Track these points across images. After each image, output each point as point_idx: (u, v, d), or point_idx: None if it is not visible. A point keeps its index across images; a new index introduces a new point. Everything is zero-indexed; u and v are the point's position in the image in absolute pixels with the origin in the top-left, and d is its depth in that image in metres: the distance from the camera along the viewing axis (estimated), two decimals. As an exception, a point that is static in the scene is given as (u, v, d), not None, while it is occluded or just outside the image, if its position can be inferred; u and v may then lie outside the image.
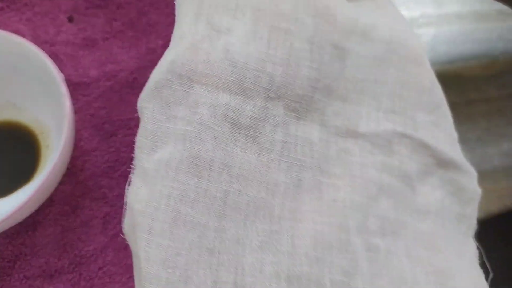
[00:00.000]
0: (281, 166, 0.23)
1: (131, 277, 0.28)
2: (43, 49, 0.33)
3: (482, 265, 0.25)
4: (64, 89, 0.26)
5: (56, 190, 0.30)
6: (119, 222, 0.30)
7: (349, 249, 0.21)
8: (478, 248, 0.25)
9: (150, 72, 0.33)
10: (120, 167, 0.31)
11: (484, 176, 0.36)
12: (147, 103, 0.22)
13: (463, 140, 0.37)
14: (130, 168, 0.31)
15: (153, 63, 0.34)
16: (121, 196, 0.30)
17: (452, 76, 0.38)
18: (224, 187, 0.21)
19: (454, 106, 0.38)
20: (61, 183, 0.30)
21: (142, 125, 0.22)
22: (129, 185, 0.22)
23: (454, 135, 0.26)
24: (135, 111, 0.32)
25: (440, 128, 0.26)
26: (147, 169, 0.21)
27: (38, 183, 0.25)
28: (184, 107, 0.22)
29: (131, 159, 0.31)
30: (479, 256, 0.25)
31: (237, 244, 0.21)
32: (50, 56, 0.33)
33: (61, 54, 0.34)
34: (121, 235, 0.22)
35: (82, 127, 0.32)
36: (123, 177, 0.31)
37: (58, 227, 0.29)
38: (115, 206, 0.30)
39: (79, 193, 0.30)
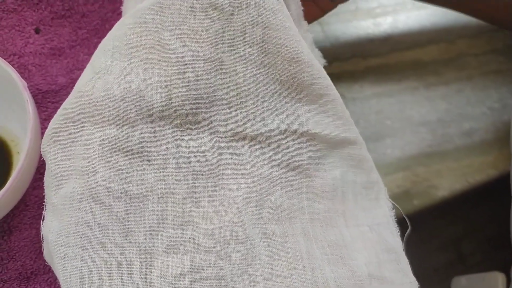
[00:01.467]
0: (178, 178, 0.25)
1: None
2: (12, 61, 0.34)
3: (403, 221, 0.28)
4: (26, 95, 0.27)
5: (30, 195, 0.31)
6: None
7: (245, 240, 0.24)
8: (394, 206, 0.28)
9: (117, 76, 0.35)
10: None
11: (447, 156, 0.37)
12: (48, 147, 0.25)
13: (424, 123, 0.38)
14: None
15: (119, 67, 0.35)
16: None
17: (411, 62, 0.39)
18: (125, 208, 0.24)
19: (414, 91, 0.40)
20: (34, 188, 0.31)
21: (47, 167, 0.25)
22: (43, 220, 0.25)
23: (345, 115, 0.28)
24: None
25: (327, 114, 0.28)
26: (55, 204, 0.24)
27: (6, 187, 0.26)
28: (79, 145, 0.25)
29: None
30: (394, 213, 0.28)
31: (144, 254, 0.24)
32: (18, 67, 0.34)
33: (30, 64, 0.35)
34: (45, 262, 0.25)
35: (52, 133, 0.33)
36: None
37: (33, 230, 0.30)
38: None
39: (51, 196, 0.31)
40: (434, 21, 0.42)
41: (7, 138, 0.32)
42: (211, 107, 0.26)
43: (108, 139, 0.25)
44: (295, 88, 0.27)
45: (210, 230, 0.24)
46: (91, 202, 0.24)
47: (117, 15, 0.36)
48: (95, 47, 0.35)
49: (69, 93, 0.34)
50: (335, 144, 0.27)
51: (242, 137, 0.27)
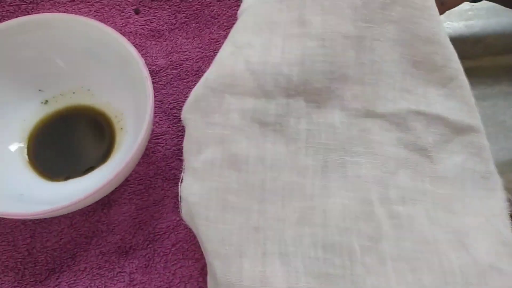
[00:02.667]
0: (308, 152, 0.26)
1: (203, 254, 0.29)
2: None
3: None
4: (145, 72, 0.28)
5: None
6: (190, 202, 0.31)
7: (373, 218, 0.24)
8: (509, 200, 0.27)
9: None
10: (188, 150, 0.32)
11: None
12: (189, 114, 0.26)
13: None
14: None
15: (216, 53, 0.35)
16: (190, 177, 0.32)
17: (504, 67, 0.39)
18: (261, 177, 0.25)
19: (507, 96, 0.39)
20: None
21: (187, 132, 0.26)
22: (181, 182, 0.26)
23: (471, 101, 0.28)
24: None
25: (455, 99, 0.28)
26: (196, 168, 0.25)
27: (124, 161, 0.26)
28: (219, 114, 0.26)
29: (198, 142, 0.33)
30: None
31: (278, 222, 0.24)
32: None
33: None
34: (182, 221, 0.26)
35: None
36: (192, 160, 0.32)
37: (132, 205, 0.31)
38: (185, 187, 0.31)
39: (152, 173, 0.31)
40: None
41: (111, 115, 0.32)
42: (344, 83, 0.26)
43: (247, 110, 0.25)
44: (427, 70, 0.27)
45: (340, 205, 0.24)
46: (231, 168, 0.24)
47: (217, 1, 0.36)
48: (194, 31, 0.36)
49: (168, 74, 0.35)
50: (459, 130, 0.27)
51: (372, 114, 0.27)
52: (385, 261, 0.23)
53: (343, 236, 0.24)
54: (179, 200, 0.25)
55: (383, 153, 0.26)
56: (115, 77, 0.31)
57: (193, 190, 0.25)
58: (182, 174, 0.26)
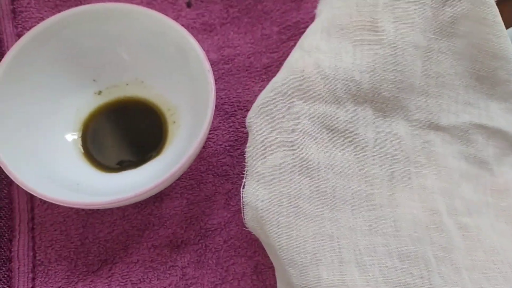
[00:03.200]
0: (375, 161, 0.26)
1: (256, 252, 0.29)
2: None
3: None
4: (207, 66, 0.28)
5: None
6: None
7: (443, 229, 0.24)
8: None
9: (266, 58, 0.35)
10: (239, 146, 0.32)
11: None
12: (255, 119, 0.26)
13: None
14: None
15: (268, 49, 0.35)
16: (241, 174, 0.31)
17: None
18: (332, 184, 0.24)
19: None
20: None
21: (251, 137, 0.26)
22: (243, 188, 0.25)
23: None
24: (252, 94, 0.34)
25: None
26: (262, 173, 0.25)
27: (186, 154, 0.26)
28: (287, 119, 0.25)
29: (250, 139, 0.32)
30: None
31: (350, 230, 0.24)
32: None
33: (180, 37, 0.35)
34: (244, 228, 0.26)
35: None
36: (243, 156, 0.32)
37: (184, 200, 0.31)
38: (236, 184, 0.31)
39: (203, 169, 0.31)
40: None
41: (164, 108, 0.32)
42: (410, 93, 0.26)
43: (317, 115, 0.25)
44: (490, 84, 0.27)
45: (409, 215, 0.24)
46: (302, 174, 0.24)
47: (270, -4, 0.36)
48: (246, 26, 0.36)
49: (220, 69, 0.34)
50: None
51: (435, 127, 0.27)
52: (460, 271, 0.23)
53: (417, 246, 0.23)
54: (242, 206, 0.25)
55: (446, 165, 0.26)
56: (171, 70, 0.31)
57: (260, 195, 0.24)
58: (244, 179, 0.25)
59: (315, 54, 0.26)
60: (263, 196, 0.24)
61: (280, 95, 0.26)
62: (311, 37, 0.27)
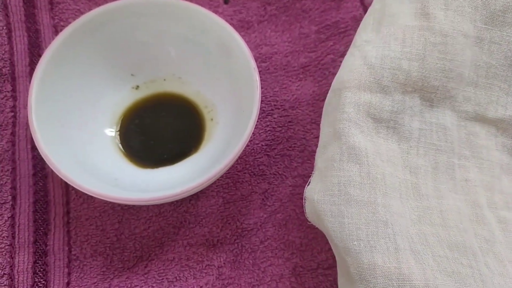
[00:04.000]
0: (419, 152, 0.25)
1: (293, 253, 0.29)
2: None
3: None
4: (253, 63, 0.27)
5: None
6: (278, 199, 0.30)
7: (485, 222, 0.25)
8: None
9: (303, 56, 0.34)
10: (276, 146, 0.32)
11: None
12: (322, 121, 0.27)
13: None
14: (286, 147, 0.32)
15: (306, 48, 0.35)
16: (277, 174, 0.31)
17: None
18: (381, 170, 0.24)
19: None
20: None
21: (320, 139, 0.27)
22: (308, 185, 0.25)
23: None
24: (289, 93, 0.33)
25: None
26: (320, 167, 0.25)
27: (233, 153, 0.25)
28: (335, 111, 0.25)
29: (287, 139, 0.32)
30: None
31: (401, 218, 0.23)
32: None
33: (217, 33, 0.35)
34: (307, 222, 0.26)
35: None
36: (280, 156, 0.31)
37: (220, 198, 0.30)
38: (273, 183, 0.31)
39: (240, 167, 0.31)
40: None
41: (201, 104, 0.32)
42: (459, 83, 0.26)
43: (362, 104, 0.25)
44: None
45: (454, 207, 0.24)
46: (350, 161, 0.24)
47: (310, -5, 0.36)
48: (283, 24, 0.35)
49: (257, 67, 0.34)
50: None
51: (481, 119, 0.27)
52: (504, 263, 0.23)
53: (464, 237, 0.23)
54: (304, 202, 0.25)
55: (489, 158, 0.26)
56: (210, 66, 0.31)
57: (316, 189, 0.24)
58: (311, 178, 0.25)
59: (364, 47, 0.26)
60: (319, 189, 0.24)
61: (333, 92, 0.26)
62: (361, 32, 0.27)
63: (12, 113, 0.31)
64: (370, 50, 0.26)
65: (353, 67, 0.25)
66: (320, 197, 0.24)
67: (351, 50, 0.27)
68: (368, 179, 0.23)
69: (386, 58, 0.25)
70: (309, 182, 0.25)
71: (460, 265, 0.22)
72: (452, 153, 0.26)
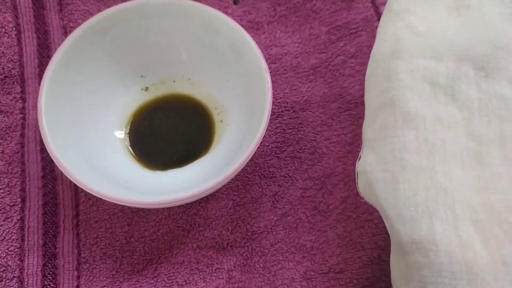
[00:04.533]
0: (482, 120, 0.24)
1: (304, 257, 0.28)
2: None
3: None
4: (264, 65, 0.27)
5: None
6: (288, 202, 0.30)
7: None
8: None
9: (314, 58, 0.34)
10: (286, 148, 0.31)
11: None
12: (366, 91, 0.26)
13: None
14: (296, 149, 0.31)
15: (316, 49, 0.34)
16: (288, 176, 0.31)
17: None
18: (441, 136, 0.23)
19: None
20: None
21: (366, 109, 0.26)
22: (359, 160, 0.24)
23: None
24: (299, 94, 0.33)
25: None
26: (370, 138, 0.24)
27: (243, 156, 0.25)
28: (387, 81, 0.25)
29: (297, 141, 0.32)
30: None
31: (462, 186, 0.22)
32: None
33: (226, 34, 0.34)
34: (359, 198, 0.25)
35: (248, 106, 0.32)
36: (290, 158, 0.31)
37: (229, 201, 0.30)
38: (283, 186, 0.30)
39: (250, 170, 0.31)
40: None
41: (210, 106, 0.31)
42: (509, 54, 0.25)
43: (417, 69, 0.24)
44: None
45: None
46: (406, 127, 0.23)
47: (319, -5, 0.35)
48: (293, 25, 0.35)
49: (268, 68, 0.34)
50: None
51: None
52: None
53: None
54: (356, 177, 0.24)
55: None
56: (220, 67, 0.30)
57: (368, 160, 0.23)
58: (360, 152, 0.24)
59: (406, 16, 0.26)
60: (371, 160, 0.23)
61: (377, 62, 0.25)
62: (399, 1, 0.27)
63: (22, 115, 0.31)
64: (415, 20, 0.25)
65: (401, 36, 0.25)
66: (373, 168, 0.23)
67: (388, 16, 0.26)
68: (426, 145, 0.22)
69: (434, 27, 0.25)
70: (359, 157, 0.24)
71: None
72: None
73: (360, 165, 0.24)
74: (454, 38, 0.25)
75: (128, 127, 0.31)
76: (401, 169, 0.22)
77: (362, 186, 0.24)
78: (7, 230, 0.28)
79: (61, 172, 0.25)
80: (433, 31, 0.25)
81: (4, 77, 0.32)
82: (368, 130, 0.25)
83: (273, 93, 0.33)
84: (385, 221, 0.23)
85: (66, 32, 0.34)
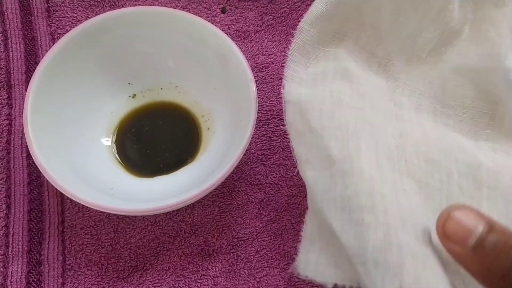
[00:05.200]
0: (405, 92, 0.27)
1: (289, 264, 0.29)
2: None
3: None
4: (249, 74, 0.27)
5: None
6: (274, 209, 0.30)
7: (470, 153, 0.25)
8: None
9: (300, 66, 0.34)
10: (272, 155, 0.32)
11: None
12: (309, 27, 0.27)
13: None
14: (282, 157, 0.32)
15: (302, 58, 0.35)
16: (273, 184, 0.31)
17: None
18: (369, 90, 0.26)
19: None
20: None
21: (296, 42, 0.27)
22: (283, 88, 0.26)
23: None
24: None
25: None
26: (304, 78, 0.26)
27: (229, 163, 0.25)
28: (331, 38, 0.27)
29: (283, 148, 0.32)
30: None
31: (384, 129, 0.25)
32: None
33: (214, 43, 0.35)
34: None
35: (235, 114, 0.33)
36: (276, 165, 0.31)
37: (215, 208, 0.30)
38: (268, 193, 0.31)
39: (236, 177, 0.31)
40: None
41: (197, 113, 0.32)
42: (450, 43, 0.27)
43: (360, 39, 0.27)
44: None
45: (436, 135, 0.26)
46: (343, 79, 0.25)
47: (306, 5, 0.36)
48: (280, 34, 0.36)
49: (253, 76, 0.34)
50: None
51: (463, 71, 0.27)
52: (481, 187, 0.24)
53: (442, 157, 0.25)
54: (283, 104, 0.25)
55: (475, 108, 0.27)
56: (207, 76, 0.31)
57: (303, 93, 0.25)
58: (284, 81, 0.26)
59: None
60: (306, 93, 0.25)
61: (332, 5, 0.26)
62: None
63: (8, 121, 0.31)
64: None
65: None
66: (309, 99, 0.25)
67: None
68: (358, 95, 0.25)
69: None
70: (283, 85, 0.26)
71: (430, 177, 0.24)
72: (435, 99, 0.27)
73: (291, 95, 0.25)
74: None
75: (115, 134, 0.31)
76: (337, 105, 0.24)
77: (292, 114, 0.25)
78: (-9, 237, 0.28)
79: (47, 179, 0.25)
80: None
81: (-9, 83, 0.32)
82: (301, 71, 0.26)
83: (259, 101, 0.33)
84: (302, 138, 0.25)
85: (53, 39, 0.34)
